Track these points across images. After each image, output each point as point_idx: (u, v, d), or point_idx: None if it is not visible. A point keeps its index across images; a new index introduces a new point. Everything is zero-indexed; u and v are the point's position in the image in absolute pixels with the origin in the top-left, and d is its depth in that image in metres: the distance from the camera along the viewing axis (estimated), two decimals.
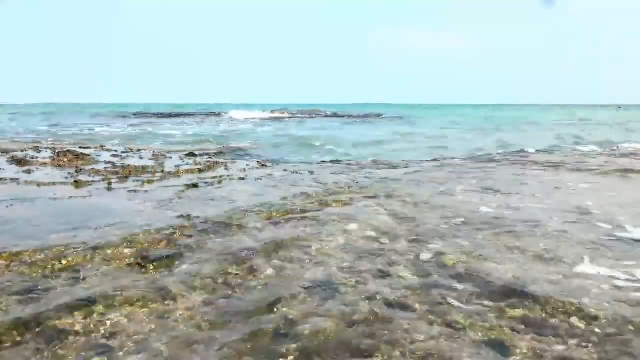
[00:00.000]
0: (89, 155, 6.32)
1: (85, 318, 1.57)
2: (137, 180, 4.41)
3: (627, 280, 1.94)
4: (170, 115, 29.62)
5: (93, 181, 4.33)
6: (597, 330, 1.52)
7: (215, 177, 4.69)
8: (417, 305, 1.69)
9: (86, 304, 1.68)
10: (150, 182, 4.36)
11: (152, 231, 2.61)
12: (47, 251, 2.25)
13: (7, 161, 5.67)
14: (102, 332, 1.48)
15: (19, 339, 1.43)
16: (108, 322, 1.54)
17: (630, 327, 1.53)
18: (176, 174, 4.86)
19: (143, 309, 1.64)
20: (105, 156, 6.46)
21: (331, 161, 6.94)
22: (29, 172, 4.88)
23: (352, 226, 2.77)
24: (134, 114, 31.42)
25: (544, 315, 1.62)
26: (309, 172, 5.23)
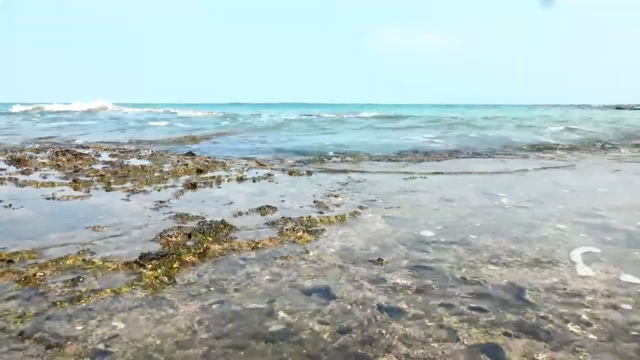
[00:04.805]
0: (87, 155, 6.33)
1: (82, 323, 1.58)
2: (136, 180, 4.41)
3: (622, 285, 1.95)
4: None
5: (91, 181, 4.33)
6: (591, 336, 1.53)
7: (213, 177, 4.70)
8: (412, 310, 1.70)
9: (84, 308, 1.69)
10: (148, 182, 4.36)
11: (150, 232, 2.62)
12: (44, 252, 2.26)
13: (5, 161, 5.67)
14: (100, 337, 1.49)
15: (15, 345, 1.44)
16: (106, 328, 1.55)
17: (625, 334, 1.54)
18: (175, 174, 4.87)
19: (141, 315, 1.65)
20: (104, 156, 6.46)
21: None
22: (27, 172, 4.88)
23: (349, 231, 2.79)
24: None
25: (538, 319, 1.63)
26: (307, 172, 5.23)
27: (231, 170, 5.26)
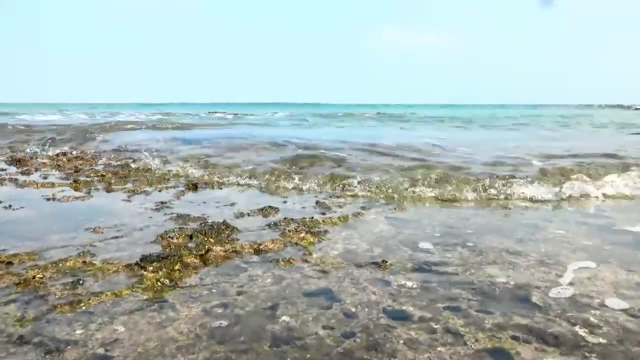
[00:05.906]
0: (88, 155, 6.30)
1: (83, 326, 1.55)
2: (137, 181, 4.39)
3: (632, 287, 1.92)
4: None
5: (92, 182, 4.31)
6: (601, 340, 1.50)
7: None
8: (417, 313, 1.67)
9: (84, 312, 1.66)
10: (149, 182, 4.34)
11: (151, 233, 2.59)
12: (44, 253, 2.23)
13: (6, 161, 5.65)
14: (100, 341, 1.46)
15: (14, 349, 1.41)
16: (106, 331, 1.53)
17: (634, 337, 1.51)
18: (176, 175, 4.84)
19: (142, 318, 1.62)
20: (105, 156, 6.44)
21: None
22: (27, 172, 4.86)
23: (352, 232, 2.76)
24: None
25: (547, 323, 1.60)
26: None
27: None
